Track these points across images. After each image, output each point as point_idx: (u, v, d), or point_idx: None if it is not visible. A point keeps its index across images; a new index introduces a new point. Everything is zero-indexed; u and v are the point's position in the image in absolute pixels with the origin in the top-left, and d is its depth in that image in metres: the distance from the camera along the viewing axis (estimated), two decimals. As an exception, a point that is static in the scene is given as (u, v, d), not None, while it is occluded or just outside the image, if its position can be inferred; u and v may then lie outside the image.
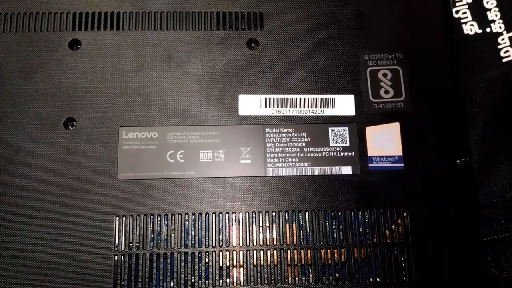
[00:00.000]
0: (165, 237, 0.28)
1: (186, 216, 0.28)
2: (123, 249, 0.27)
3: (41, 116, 0.29)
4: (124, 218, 0.28)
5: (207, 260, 0.28)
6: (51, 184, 0.28)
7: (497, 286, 0.32)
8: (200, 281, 0.27)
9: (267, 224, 0.28)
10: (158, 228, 0.28)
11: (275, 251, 0.28)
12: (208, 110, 0.30)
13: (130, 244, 0.27)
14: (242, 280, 0.27)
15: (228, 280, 0.27)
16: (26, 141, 0.29)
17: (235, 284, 0.27)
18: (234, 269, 0.28)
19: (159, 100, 0.30)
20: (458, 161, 0.29)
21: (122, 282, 0.27)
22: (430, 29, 0.32)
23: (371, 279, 0.28)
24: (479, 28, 0.37)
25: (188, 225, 0.28)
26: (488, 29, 0.37)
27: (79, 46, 0.30)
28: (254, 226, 0.28)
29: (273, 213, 0.28)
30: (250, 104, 0.30)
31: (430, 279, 0.28)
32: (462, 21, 0.38)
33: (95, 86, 0.30)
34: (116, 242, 0.27)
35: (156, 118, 0.29)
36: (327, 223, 0.28)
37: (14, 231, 0.27)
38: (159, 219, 0.28)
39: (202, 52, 0.31)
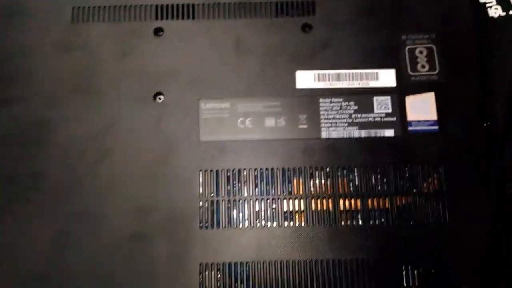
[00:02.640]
0: (239, 187, 0.34)
1: (255, 170, 0.34)
2: (206, 197, 0.33)
3: (133, 91, 0.35)
4: (205, 172, 0.34)
5: (274, 206, 0.33)
6: (145, 147, 0.34)
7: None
8: (269, 223, 0.33)
9: (322, 179, 0.34)
10: (233, 180, 0.34)
11: (330, 200, 0.34)
12: (270, 85, 0.35)
13: (212, 194, 0.34)
14: (303, 223, 0.33)
15: (291, 223, 0.33)
16: (122, 112, 0.35)
17: (297, 225, 0.33)
18: (297, 214, 0.33)
19: (230, 77, 0.36)
20: (484, 124, 0.34)
21: (206, 224, 0.33)
22: (459, 12, 0.37)
23: (411, 222, 0.33)
24: (503, 11, 0.42)
25: (257, 178, 0.34)
26: (511, 12, 0.42)
27: (162, 33, 0.37)
28: (311, 179, 0.34)
29: (327, 169, 0.34)
30: (306, 79, 0.36)
31: (461, 222, 0.33)
32: (488, 5, 0.42)
33: (177, 66, 0.36)
34: (200, 191, 0.34)
35: (228, 91, 0.35)
36: (373, 177, 0.34)
37: (118, 185, 0.34)
38: (234, 173, 0.34)
39: (264, 37, 0.36)
